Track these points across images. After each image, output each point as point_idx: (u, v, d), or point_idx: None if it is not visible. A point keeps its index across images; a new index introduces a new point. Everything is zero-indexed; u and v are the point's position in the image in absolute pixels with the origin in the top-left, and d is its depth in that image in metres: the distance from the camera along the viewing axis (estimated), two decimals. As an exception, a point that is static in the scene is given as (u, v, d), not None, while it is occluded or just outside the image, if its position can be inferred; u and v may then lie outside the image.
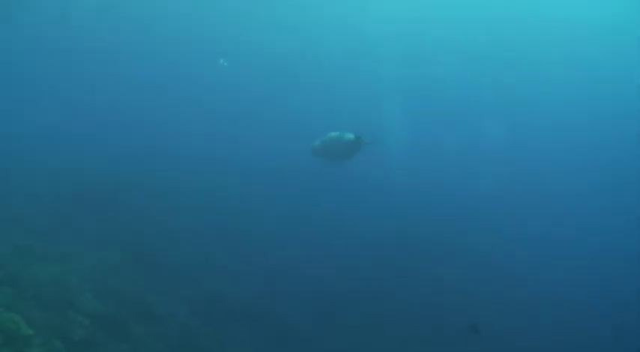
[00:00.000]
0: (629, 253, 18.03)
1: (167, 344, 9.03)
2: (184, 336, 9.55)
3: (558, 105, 26.35)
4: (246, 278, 12.24)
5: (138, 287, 10.12)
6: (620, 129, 24.82)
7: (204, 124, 24.35)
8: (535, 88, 26.54)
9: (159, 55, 29.01)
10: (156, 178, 16.61)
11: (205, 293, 11.03)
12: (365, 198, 18.47)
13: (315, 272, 13.34)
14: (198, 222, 14.30)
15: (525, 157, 24.56)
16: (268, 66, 28.33)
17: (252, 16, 26.54)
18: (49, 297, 8.44)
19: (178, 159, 19.31)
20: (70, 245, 10.75)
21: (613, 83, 25.53)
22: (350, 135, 10.55)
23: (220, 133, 23.08)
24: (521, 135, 25.14)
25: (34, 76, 28.43)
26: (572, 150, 25.19)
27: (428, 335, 12.22)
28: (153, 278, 10.89)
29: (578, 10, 24.60)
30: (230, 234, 14.01)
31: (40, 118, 22.14)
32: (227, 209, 15.47)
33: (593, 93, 26.24)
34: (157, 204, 14.48)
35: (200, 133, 22.89)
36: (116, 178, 15.20)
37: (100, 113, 24.49)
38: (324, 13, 26.96)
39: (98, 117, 23.70)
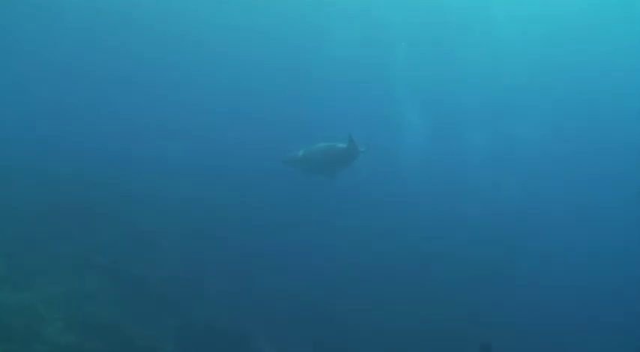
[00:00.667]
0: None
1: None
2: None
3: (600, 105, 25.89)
4: (242, 303, 11.86)
5: (117, 316, 9.73)
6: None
7: (195, 126, 24.04)
8: (571, 87, 26.08)
9: (146, 52, 28.83)
10: (141, 188, 16.07)
11: (195, 322, 10.61)
12: (376, 212, 17.95)
13: (317, 295, 13.04)
14: (189, 239, 13.82)
15: (560, 166, 24.08)
16: (266, 60, 28.03)
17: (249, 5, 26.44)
18: (13, 327, 8.24)
19: (168, 165, 18.79)
20: (40, 267, 10.38)
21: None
22: (342, 144, 10.16)
23: (213, 136, 22.81)
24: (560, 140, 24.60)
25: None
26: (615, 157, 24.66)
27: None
28: (135, 304, 10.43)
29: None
30: (225, 254, 13.52)
31: (6, 121, 21.81)
32: (221, 224, 14.99)
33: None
34: (142, 219, 13.95)
35: (192, 136, 22.60)
36: (96, 188, 14.75)
37: (79, 113, 24.23)
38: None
39: (77, 118, 23.40)
